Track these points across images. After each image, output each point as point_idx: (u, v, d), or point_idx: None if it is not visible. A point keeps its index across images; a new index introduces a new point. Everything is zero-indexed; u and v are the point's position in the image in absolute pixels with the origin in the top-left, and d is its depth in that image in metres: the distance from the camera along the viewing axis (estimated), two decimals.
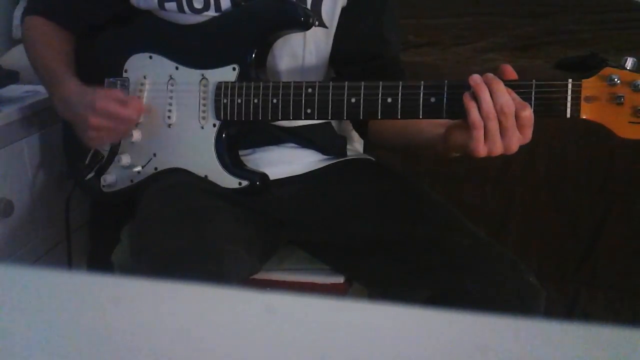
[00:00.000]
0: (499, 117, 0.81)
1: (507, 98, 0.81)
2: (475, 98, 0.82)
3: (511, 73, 0.85)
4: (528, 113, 0.81)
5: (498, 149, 0.82)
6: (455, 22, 2.32)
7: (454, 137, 0.88)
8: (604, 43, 2.04)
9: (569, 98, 0.82)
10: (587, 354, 0.32)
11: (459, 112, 0.85)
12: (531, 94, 0.83)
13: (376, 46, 1.10)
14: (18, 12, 1.85)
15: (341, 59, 1.09)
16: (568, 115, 0.82)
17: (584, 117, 0.82)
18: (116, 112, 1.00)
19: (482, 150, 0.83)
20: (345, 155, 1.16)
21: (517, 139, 0.82)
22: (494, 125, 0.81)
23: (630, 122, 0.81)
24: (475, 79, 0.83)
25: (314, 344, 0.33)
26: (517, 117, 0.81)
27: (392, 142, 1.12)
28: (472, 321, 0.34)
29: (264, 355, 0.32)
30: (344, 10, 1.06)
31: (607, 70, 0.81)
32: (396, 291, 1.01)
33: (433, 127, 0.94)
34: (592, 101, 0.81)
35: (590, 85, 0.81)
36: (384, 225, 1.02)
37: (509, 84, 0.83)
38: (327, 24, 1.05)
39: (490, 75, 0.83)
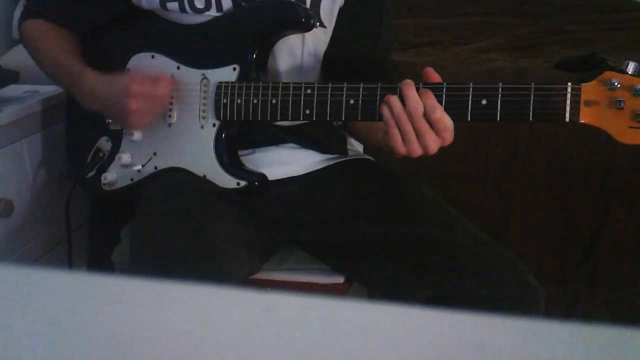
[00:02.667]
0: (409, 119, 0.84)
1: (413, 101, 0.84)
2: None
3: (433, 76, 0.87)
4: (438, 115, 0.84)
5: (416, 149, 0.86)
6: (455, 22, 2.32)
7: (384, 138, 0.90)
8: (604, 43, 2.04)
9: (568, 102, 0.81)
10: (587, 354, 0.32)
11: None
12: (530, 97, 0.82)
13: (370, 46, 1.10)
14: (18, 12, 1.84)
15: (335, 58, 1.09)
16: (567, 120, 0.81)
17: (583, 122, 0.81)
18: (152, 92, 0.99)
19: (401, 149, 0.86)
20: (345, 153, 1.16)
21: (433, 142, 0.85)
22: (407, 128, 0.85)
23: (630, 127, 0.80)
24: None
25: (314, 344, 0.33)
26: (428, 120, 0.84)
27: (357, 138, 1.15)
28: (472, 321, 0.34)
29: (264, 355, 0.32)
30: (341, 10, 1.06)
31: (607, 74, 0.80)
32: (396, 291, 1.01)
33: (379, 130, 0.96)
34: (591, 105, 0.81)
35: (590, 89, 0.81)
36: (384, 225, 1.02)
37: (427, 86, 0.86)
38: (325, 23, 1.06)
39: (406, 81, 0.87)
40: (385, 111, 0.87)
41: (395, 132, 0.86)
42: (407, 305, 0.35)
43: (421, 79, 0.88)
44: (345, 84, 0.92)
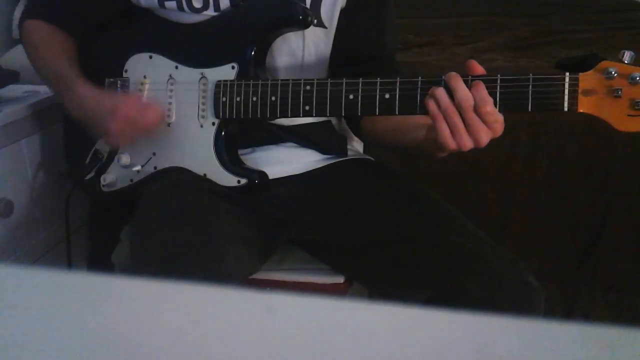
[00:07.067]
0: (459, 111, 0.82)
1: (464, 93, 0.82)
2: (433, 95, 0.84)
3: (477, 69, 0.86)
4: (489, 109, 0.82)
5: (467, 142, 0.83)
6: (455, 22, 2.32)
7: (429, 134, 0.89)
8: (604, 43, 2.04)
9: (566, 91, 0.82)
10: (587, 354, 0.32)
11: None
12: (528, 88, 0.83)
13: (374, 47, 1.10)
14: (18, 12, 1.84)
15: (340, 59, 1.09)
16: (565, 109, 0.82)
17: (582, 111, 0.82)
18: (137, 119, 1.00)
19: (450, 143, 0.84)
20: (345, 154, 1.16)
21: (484, 133, 0.83)
22: (456, 120, 0.83)
23: (628, 115, 0.80)
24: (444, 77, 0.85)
25: (314, 344, 0.33)
26: (478, 113, 0.82)
27: (382, 141, 1.12)
28: (472, 321, 0.34)
29: (264, 355, 0.32)
30: (343, 11, 1.06)
31: (604, 64, 0.81)
32: (396, 291, 1.01)
33: (418, 129, 0.95)
34: (589, 94, 0.81)
35: (587, 79, 0.81)
36: (384, 225, 1.02)
37: (478, 78, 0.84)
38: (326, 24, 1.06)
39: (451, 73, 0.84)
40: (431, 104, 0.84)
41: (443, 127, 0.83)
42: (407, 305, 0.35)
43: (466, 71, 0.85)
44: (344, 79, 0.92)
